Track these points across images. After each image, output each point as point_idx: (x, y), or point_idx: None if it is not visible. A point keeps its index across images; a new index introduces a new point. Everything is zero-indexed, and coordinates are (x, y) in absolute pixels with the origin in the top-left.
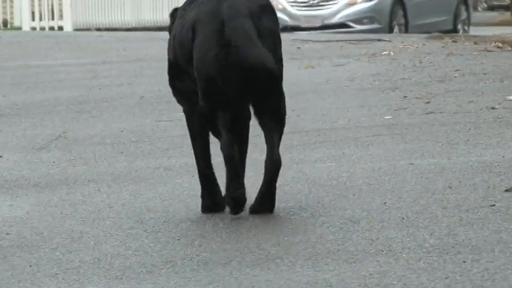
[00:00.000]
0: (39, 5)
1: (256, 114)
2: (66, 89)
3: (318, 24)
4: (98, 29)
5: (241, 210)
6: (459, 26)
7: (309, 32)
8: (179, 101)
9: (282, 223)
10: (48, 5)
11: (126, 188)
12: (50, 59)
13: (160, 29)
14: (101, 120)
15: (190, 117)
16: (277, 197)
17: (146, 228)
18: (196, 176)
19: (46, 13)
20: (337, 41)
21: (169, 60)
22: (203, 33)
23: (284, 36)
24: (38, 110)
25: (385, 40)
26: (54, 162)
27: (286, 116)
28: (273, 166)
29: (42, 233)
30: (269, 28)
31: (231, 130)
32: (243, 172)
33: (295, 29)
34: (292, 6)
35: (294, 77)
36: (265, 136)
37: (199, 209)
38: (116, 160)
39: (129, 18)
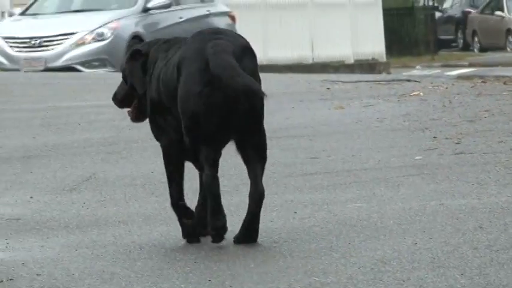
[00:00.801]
0: None
1: (238, 149)
2: (96, 130)
3: (41, 68)
4: None
5: (222, 239)
6: None
7: (338, 75)
8: (157, 137)
9: (313, 264)
10: None
11: (156, 229)
12: (80, 100)
13: None
14: (131, 161)
15: (168, 152)
16: (308, 237)
17: (177, 269)
18: (232, 218)
19: None
20: (367, 81)
21: (151, 98)
22: (188, 71)
23: (313, 77)
24: (68, 151)
25: (415, 80)
26: (84, 203)
27: (312, 156)
28: (257, 198)
29: (73, 274)
30: (249, 68)
31: (213, 165)
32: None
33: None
34: (10, 46)
35: (324, 118)
36: (249, 169)
37: (231, 248)
38: (147, 201)
39: None
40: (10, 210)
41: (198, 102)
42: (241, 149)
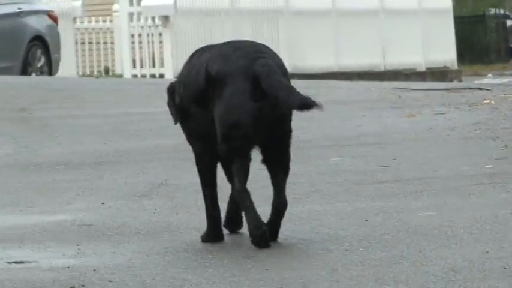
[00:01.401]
0: (140, 52)
1: (265, 161)
2: (168, 136)
3: None
4: None
5: (267, 244)
6: (34, 75)
7: (409, 82)
8: (189, 142)
9: (384, 272)
10: (149, 52)
11: (227, 235)
12: (151, 106)
13: None
14: None
15: (200, 158)
16: (379, 245)
17: (248, 277)
18: (303, 225)
19: (147, 61)
20: (438, 89)
21: (178, 104)
22: (235, 87)
23: (385, 85)
24: (140, 158)
25: (486, 89)
26: (156, 209)
27: (383, 164)
28: (280, 208)
29: (145, 281)
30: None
31: (245, 178)
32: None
33: None
34: None
35: (395, 126)
36: (273, 180)
37: (301, 257)
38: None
39: None
40: (81, 216)
41: (246, 115)
42: (269, 162)
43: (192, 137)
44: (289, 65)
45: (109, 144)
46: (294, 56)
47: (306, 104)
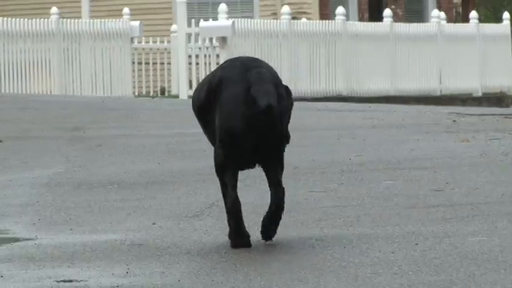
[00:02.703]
0: (197, 73)
1: (260, 163)
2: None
3: None
4: None
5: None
6: None
7: (465, 107)
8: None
9: None
10: (206, 73)
11: (277, 257)
12: None
13: (317, 99)
14: (255, 189)
15: (217, 162)
16: (428, 269)
17: None
18: (353, 249)
19: None
20: (493, 114)
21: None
22: (230, 93)
23: (440, 109)
24: (192, 178)
25: None
26: (206, 230)
27: (435, 189)
28: (280, 196)
29: None
30: (282, 95)
31: (235, 186)
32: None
33: None
34: None
35: (449, 150)
36: (269, 179)
37: (350, 280)
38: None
39: None
40: (132, 235)
41: (238, 121)
42: (264, 165)
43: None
44: (346, 88)
45: (162, 164)
46: (351, 79)
47: (270, 108)
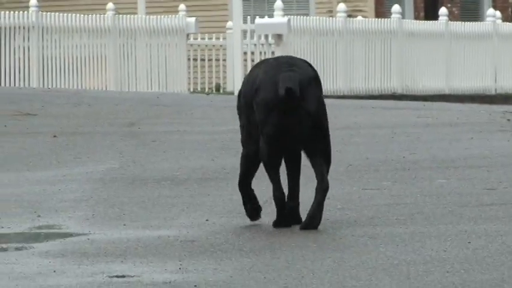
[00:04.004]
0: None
1: (307, 155)
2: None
3: None
4: None
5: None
6: None
7: None
8: (245, 146)
9: None
10: None
11: (330, 254)
12: None
13: (372, 97)
14: (308, 187)
15: (246, 157)
16: (480, 268)
17: None
18: (405, 247)
19: None
20: None
21: (243, 118)
22: (264, 94)
23: (495, 108)
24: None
25: None
26: (259, 227)
27: (488, 187)
28: (323, 190)
29: None
30: (313, 93)
31: (278, 173)
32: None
33: None
34: None
35: (502, 149)
36: (316, 169)
37: (402, 278)
38: (322, 227)
39: (341, 85)
40: (185, 232)
41: (274, 118)
42: (310, 155)
43: (251, 138)
44: (400, 86)
45: (216, 160)
46: (406, 77)
47: (287, 89)
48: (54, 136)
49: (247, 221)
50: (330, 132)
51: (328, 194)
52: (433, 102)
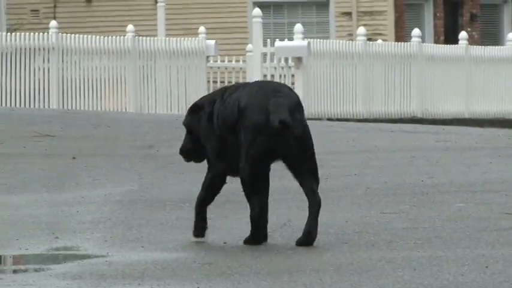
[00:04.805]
0: None
1: (296, 176)
2: (292, 178)
3: None
4: (329, 119)
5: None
6: None
7: None
8: (214, 166)
9: None
10: None
11: (347, 278)
12: None
13: (392, 120)
14: (326, 210)
15: (214, 178)
16: None
17: None
18: (423, 271)
19: None
20: None
21: (214, 139)
22: (253, 119)
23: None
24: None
25: None
26: (277, 250)
27: (506, 212)
28: (317, 204)
29: None
30: (299, 119)
31: (258, 193)
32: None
33: None
34: None
35: None
36: (306, 187)
37: None
38: (339, 250)
39: (360, 109)
40: (203, 254)
41: (263, 141)
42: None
43: (220, 159)
44: (420, 109)
45: (234, 183)
46: (425, 101)
47: (281, 121)
48: (73, 158)
49: (266, 244)
50: (349, 156)
51: (346, 217)
52: (453, 126)
